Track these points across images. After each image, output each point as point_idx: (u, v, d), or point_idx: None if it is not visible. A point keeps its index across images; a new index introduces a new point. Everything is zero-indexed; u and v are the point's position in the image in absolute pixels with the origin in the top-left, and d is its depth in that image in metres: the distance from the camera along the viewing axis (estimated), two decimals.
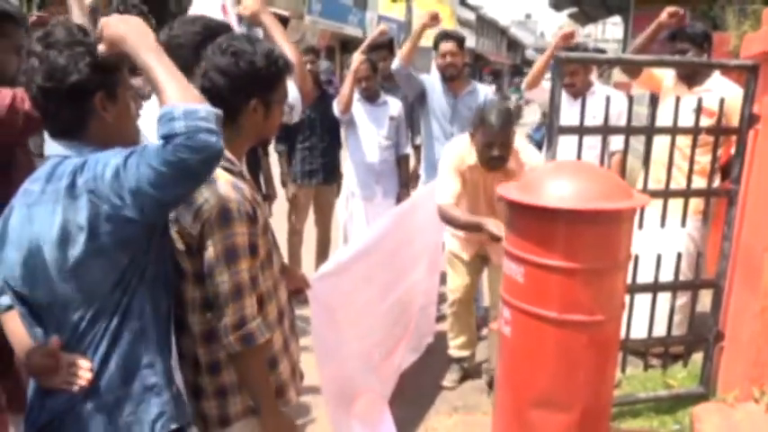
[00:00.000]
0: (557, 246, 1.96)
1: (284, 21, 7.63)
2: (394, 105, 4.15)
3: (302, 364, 1.81)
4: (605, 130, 2.80)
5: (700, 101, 2.84)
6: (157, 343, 1.42)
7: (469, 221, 2.91)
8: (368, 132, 4.10)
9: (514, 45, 59.94)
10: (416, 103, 4.14)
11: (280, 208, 4.40)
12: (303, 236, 4.54)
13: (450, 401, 3.29)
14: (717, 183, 3.21)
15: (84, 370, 1.33)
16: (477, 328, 3.60)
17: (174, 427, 1.42)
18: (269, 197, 4.09)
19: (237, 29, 2.26)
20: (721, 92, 3.07)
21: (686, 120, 2.87)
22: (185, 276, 1.53)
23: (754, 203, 2.71)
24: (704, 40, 3.36)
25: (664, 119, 2.97)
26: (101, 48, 1.32)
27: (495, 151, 2.89)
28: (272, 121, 1.65)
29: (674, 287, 2.96)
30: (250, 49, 1.53)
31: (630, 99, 3.06)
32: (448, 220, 3.01)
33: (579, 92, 3.70)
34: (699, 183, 3.01)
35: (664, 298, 2.95)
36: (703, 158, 3.11)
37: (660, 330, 2.95)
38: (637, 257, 2.72)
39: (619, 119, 3.34)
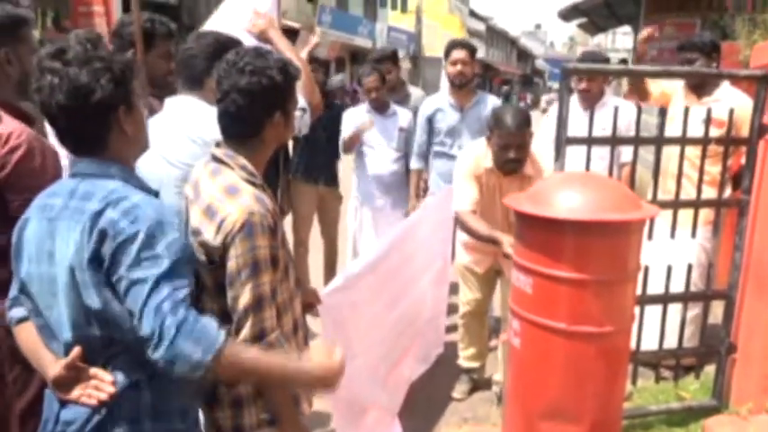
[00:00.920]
0: (566, 257, 1.96)
1: (294, 32, 7.71)
2: (403, 116, 4.15)
3: None
4: (614, 141, 2.79)
5: (709, 111, 2.83)
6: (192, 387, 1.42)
7: (487, 235, 2.84)
8: (378, 144, 4.11)
9: (524, 55, 60.11)
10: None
11: (285, 220, 4.37)
12: (309, 246, 4.54)
13: (460, 413, 3.28)
14: (727, 193, 3.19)
15: (106, 383, 1.32)
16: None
17: None
18: (282, 211, 4.09)
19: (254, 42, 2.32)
20: (731, 102, 3.06)
21: (696, 130, 2.86)
22: (205, 289, 1.53)
23: (766, 213, 2.69)
24: (713, 50, 3.35)
25: (673, 128, 2.96)
26: None
27: (511, 153, 2.82)
28: (290, 127, 1.68)
29: (685, 298, 2.93)
30: (266, 64, 1.54)
31: (639, 108, 3.05)
32: (466, 229, 2.98)
33: (594, 98, 3.68)
34: (709, 193, 2.99)
35: (675, 309, 2.93)
36: (713, 168, 3.09)
37: (671, 342, 2.92)
38: (647, 268, 2.70)
39: (628, 130, 3.33)
